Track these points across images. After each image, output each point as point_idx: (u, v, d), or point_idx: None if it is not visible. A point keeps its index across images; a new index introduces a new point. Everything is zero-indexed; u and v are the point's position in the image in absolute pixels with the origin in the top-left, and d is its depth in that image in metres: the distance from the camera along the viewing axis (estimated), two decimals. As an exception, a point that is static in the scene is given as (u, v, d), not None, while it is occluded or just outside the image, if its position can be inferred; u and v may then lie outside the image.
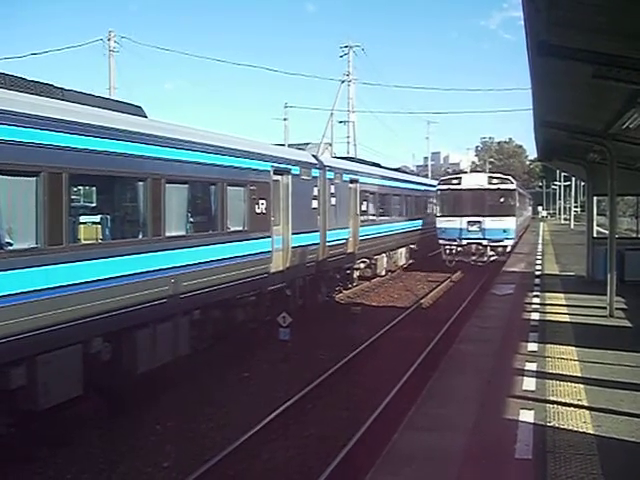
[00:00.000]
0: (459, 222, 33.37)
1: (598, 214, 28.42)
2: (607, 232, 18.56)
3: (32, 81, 10.98)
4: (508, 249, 33.96)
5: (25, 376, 9.59)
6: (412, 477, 7.25)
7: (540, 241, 47.72)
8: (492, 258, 33.20)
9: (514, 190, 34.90)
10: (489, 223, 32.96)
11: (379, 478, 7.22)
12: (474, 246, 33.31)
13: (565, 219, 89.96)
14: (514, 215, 34.46)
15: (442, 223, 34.32)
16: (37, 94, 10.65)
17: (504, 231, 33.17)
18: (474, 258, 33.49)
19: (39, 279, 9.74)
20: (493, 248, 33.26)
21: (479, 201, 33.66)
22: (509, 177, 36.42)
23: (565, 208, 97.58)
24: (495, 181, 34.39)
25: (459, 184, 34.32)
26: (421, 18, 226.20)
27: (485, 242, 33.12)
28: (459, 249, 33.65)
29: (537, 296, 19.45)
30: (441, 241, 34.41)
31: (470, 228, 33.17)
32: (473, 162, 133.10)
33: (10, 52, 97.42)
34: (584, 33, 8.86)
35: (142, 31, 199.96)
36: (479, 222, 33.10)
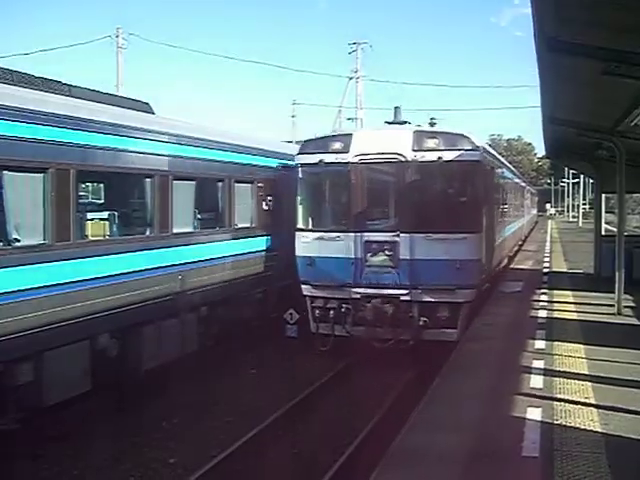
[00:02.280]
0: (346, 244, 15.06)
1: (607, 211, 28.26)
2: (615, 230, 18.46)
3: (40, 78, 11.01)
4: (462, 314, 14.81)
5: (32, 372, 9.62)
6: (418, 475, 7.22)
7: (548, 239, 47.47)
8: (427, 335, 14.64)
9: (479, 163, 15.18)
10: (419, 246, 14.69)
11: (384, 476, 7.19)
12: (381, 305, 14.78)
13: (573, 216, 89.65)
14: (480, 227, 15.27)
15: (307, 245, 15.61)
16: (45, 91, 10.67)
17: (456, 267, 14.47)
18: (383, 334, 14.68)
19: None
20: (428, 311, 14.71)
21: (394, 192, 15.54)
22: (468, 135, 15.23)
23: (573, 205, 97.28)
24: (432, 143, 14.85)
25: (345, 151, 15.20)
26: (430, 15, 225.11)
27: (406, 295, 14.77)
28: (348, 311, 15.13)
29: (545, 294, 19.35)
30: (305, 288, 15.62)
31: (371, 259, 14.98)
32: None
33: (19, 49, 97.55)
34: (593, 29, 8.79)
35: (151, 28, 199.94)
36: (393, 244, 14.86)
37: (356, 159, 15.07)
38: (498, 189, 21.45)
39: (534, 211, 65.93)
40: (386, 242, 14.86)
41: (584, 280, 22.71)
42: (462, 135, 15.13)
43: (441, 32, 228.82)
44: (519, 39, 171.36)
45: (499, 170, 21.52)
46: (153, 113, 13.79)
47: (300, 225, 15.79)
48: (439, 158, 14.48)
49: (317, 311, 15.41)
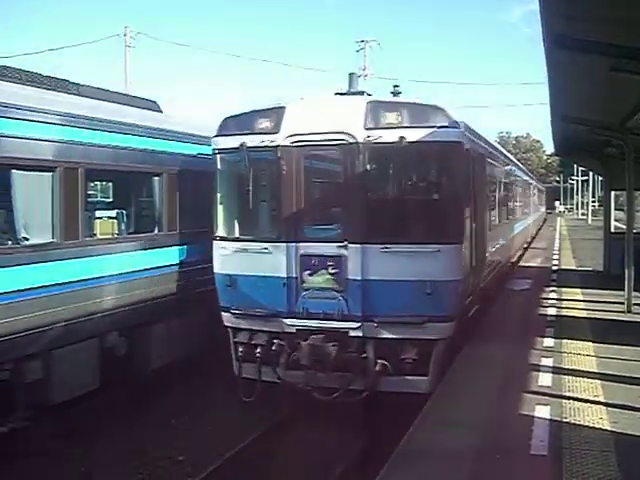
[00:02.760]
0: (275, 258, 11.29)
1: (616, 209, 28.25)
2: (625, 227, 18.40)
3: (48, 77, 11.07)
4: (436, 355, 10.89)
5: (41, 370, 9.68)
6: (426, 473, 7.22)
7: (557, 236, 47.34)
8: (387, 385, 10.83)
9: (458, 146, 11.13)
10: (375, 262, 10.87)
11: (393, 474, 7.19)
12: (322, 344, 10.86)
13: (582, 214, 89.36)
14: (461, 235, 11.24)
15: (226, 258, 11.93)
16: (53, 89, 10.73)
17: (426, 291, 10.63)
18: (326, 381, 10.87)
19: None
20: (387, 351, 10.86)
21: (341, 187, 11.51)
22: (442, 107, 11.04)
23: (582, 203, 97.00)
24: (393, 117, 10.97)
25: (275, 131, 11.37)
26: (438, 11, 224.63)
27: (356, 330, 10.93)
28: (280, 349, 11.36)
29: (554, 291, 19.30)
30: (225, 317, 11.91)
31: (310, 279, 11.18)
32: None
33: (28, 48, 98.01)
34: (602, 26, 8.75)
35: (158, 25, 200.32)
36: (339, 259, 11.02)
37: (288, 141, 11.16)
38: (493, 183, 17.45)
39: (542, 209, 64.99)
40: (330, 256, 10.95)
41: (593, 278, 22.62)
42: (434, 107, 10.96)
43: (449, 29, 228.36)
44: (528, 36, 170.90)
45: (494, 159, 17.39)
46: (160, 111, 13.78)
47: (219, 232, 11.93)
48: (401, 138, 10.53)
49: (240, 348, 11.62)
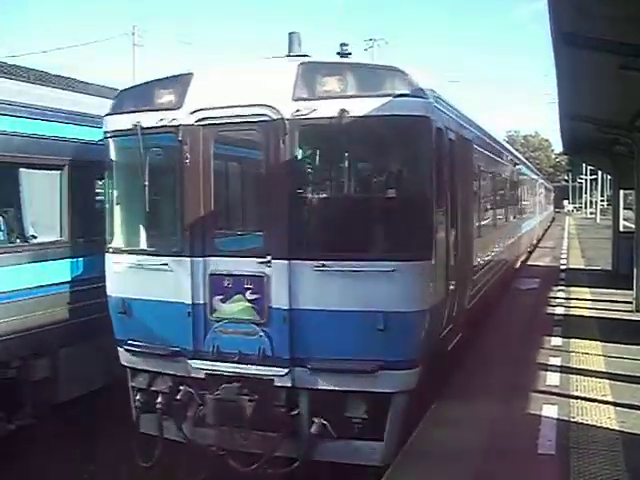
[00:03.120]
0: (177, 278, 8.44)
1: (625, 208, 28.09)
2: (634, 226, 18.33)
3: (55, 75, 11.12)
4: (394, 414, 7.93)
5: (48, 368, 9.69)
6: (433, 470, 7.21)
7: (565, 235, 47.18)
8: (326, 452, 7.96)
9: (424, 122, 8.01)
10: (307, 285, 7.94)
11: (400, 472, 7.18)
12: (237, 396, 8.00)
13: (591, 213, 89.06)
14: (430, 247, 8.13)
15: (119, 277, 9.08)
16: (61, 88, 10.77)
17: (378, 327, 7.66)
18: (244, 444, 8.05)
19: None
20: (326, 407, 7.98)
21: (261, 182, 8.64)
22: (401, 69, 7.97)
23: (591, 202, 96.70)
24: (333, 84, 7.97)
25: (177, 106, 8.43)
26: (445, 8, 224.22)
27: (283, 378, 7.99)
28: (189, 397, 8.52)
29: (562, 290, 19.26)
30: (121, 353, 9.08)
31: (222, 306, 8.29)
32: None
33: (36, 47, 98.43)
34: (611, 24, 8.72)
35: (166, 24, 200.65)
36: (259, 280, 8.09)
37: (192, 119, 8.32)
38: (485, 178, 14.40)
39: (550, 208, 64.58)
40: (248, 276, 8.11)
41: (602, 277, 22.55)
42: (391, 69, 8.08)
43: (458, 27, 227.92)
44: (536, 34, 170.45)
45: (487, 149, 14.26)
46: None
47: (112, 242, 9.21)
48: (343, 112, 7.69)
49: (139, 394, 8.98)
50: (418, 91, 7.96)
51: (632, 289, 16.12)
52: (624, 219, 27.14)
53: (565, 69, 10.89)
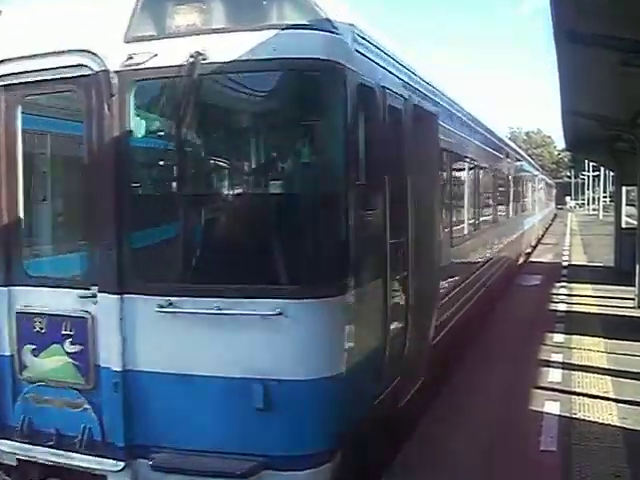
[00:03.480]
0: None
1: (627, 204, 28.07)
2: (636, 223, 18.31)
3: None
4: None
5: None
6: (433, 470, 7.21)
7: (568, 232, 47.09)
8: None
9: (338, 71, 5.11)
10: (147, 334, 5.27)
11: (399, 469, 7.18)
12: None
13: (594, 209, 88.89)
14: (346, 275, 5.27)
15: None
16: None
17: (257, 406, 4.98)
18: None
19: None
20: None
21: (86, 171, 5.54)
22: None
23: (594, 198, 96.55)
24: (192, 16, 5.17)
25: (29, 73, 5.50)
26: (447, 4, 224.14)
27: (119, 475, 5.25)
28: None
29: (564, 287, 19.24)
30: None
31: (35, 361, 5.59)
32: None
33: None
34: (612, 20, 8.72)
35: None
36: (81, 324, 5.39)
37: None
38: (464, 169, 11.99)
39: (552, 205, 64.06)
40: (67, 316, 5.54)
41: (604, 273, 22.53)
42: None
43: (459, 23, 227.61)
44: (539, 30, 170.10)
45: (458, 130, 10.88)
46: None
47: None
48: (198, 56, 5.08)
49: None
50: (323, 23, 5.13)
51: (634, 285, 16.09)
52: (627, 215, 27.13)
53: (567, 66, 10.88)
